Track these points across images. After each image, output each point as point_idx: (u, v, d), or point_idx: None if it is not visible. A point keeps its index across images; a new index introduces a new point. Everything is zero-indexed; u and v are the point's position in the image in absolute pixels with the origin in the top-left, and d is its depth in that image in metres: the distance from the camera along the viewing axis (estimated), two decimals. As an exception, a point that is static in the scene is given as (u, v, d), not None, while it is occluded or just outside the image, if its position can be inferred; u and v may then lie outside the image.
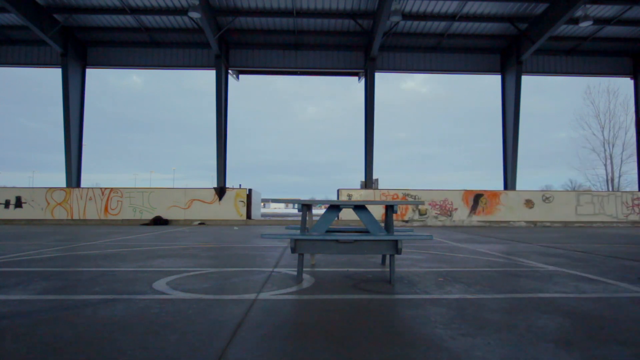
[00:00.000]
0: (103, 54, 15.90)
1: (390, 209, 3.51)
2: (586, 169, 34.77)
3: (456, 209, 13.67)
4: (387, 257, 4.10)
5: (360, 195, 13.74)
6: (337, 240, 3.15)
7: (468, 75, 17.22)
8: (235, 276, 3.42)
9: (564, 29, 14.77)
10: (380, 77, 21.41)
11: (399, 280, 3.27)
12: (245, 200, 13.55)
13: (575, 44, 15.80)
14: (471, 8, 13.74)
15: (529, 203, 13.77)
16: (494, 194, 13.81)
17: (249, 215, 13.65)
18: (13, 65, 16.01)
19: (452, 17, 14.19)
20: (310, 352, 1.66)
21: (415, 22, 14.57)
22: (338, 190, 13.81)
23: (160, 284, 3.03)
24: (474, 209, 13.68)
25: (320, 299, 2.61)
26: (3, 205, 13.18)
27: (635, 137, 17.46)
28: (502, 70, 16.19)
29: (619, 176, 30.10)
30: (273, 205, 68.78)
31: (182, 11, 13.66)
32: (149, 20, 14.54)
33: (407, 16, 14.06)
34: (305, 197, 69.75)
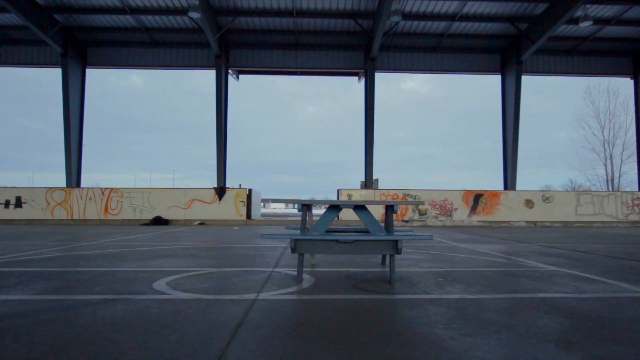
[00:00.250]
0: (103, 54, 15.91)
1: (390, 209, 3.51)
2: (586, 169, 34.80)
3: (456, 209, 13.67)
4: (387, 257, 4.10)
5: (360, 195, 13.74)
6: (337, 240, 3.15)
7: (468, 75, 17.24)
8: (235, 276, 3.42)
9: (564, 29, 14.77)
10: (380, 77, 21.43)
11: (399, 280, 3.27)
12: (245, 200, 13.55)
13: (575, 44, 15.80)
14: (471, 8, 13.74)
15: (529, 203, 13.77)
16: (494, 194, 13.81)
17: (249, 215, 13.65)
18: (13, 65, 16.00)
19: (452, 17, 14.19)
20: (310, 352, 1.66)
21: (415, 22, 14.57)
22: (338, 190, 13.81)
23: (160, 284, 3.03)
24: (474, 209, 13.67)
25: (320, 299, 2.61)
26: (3, 205, 13.18)
27: (635, 137, 17.45)
28: (502, 70, 16.19)
29: (619, 176, 30.15)
30: (273, 205, 68.78)
31: (182, 11, 13.66)
32: (149, 20, 14.54)
33: (407, 16, 14.06)
34: (305, 197, 69.74)
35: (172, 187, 17.09)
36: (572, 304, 2.49)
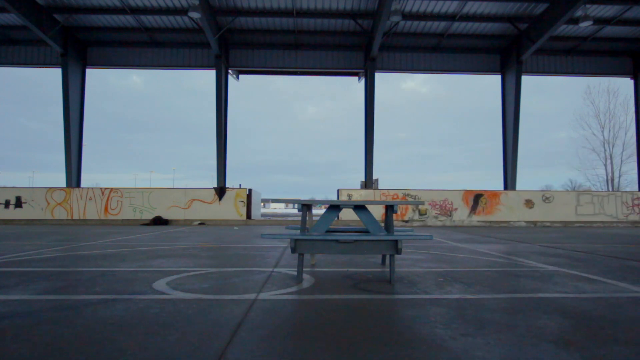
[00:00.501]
0: (103, 54, 15.90)
1: (390, 209, 3.51)
2: (586, 169, 34.74)
3: (456, 209, 13.67)
4: (387, 257, 4.10)
5: (360, 195, 13.74)
6: (337, 240, 3.15)
7: (468, 75, 17.23)
8: (235, 276, 3.42)
9: (564, 29, 14.77)
10: (380, 77, 21.43)
11: (399, 280, 3.27)
12: (245, 200, 13.55)
13: (575, 44, 15.79)
14: (471, 8, 13.74)
15: (529, 203, 13.77)
16: (494, 194, 13.81)
17: (249, 215, 13.65)
18: (13, 65, 16.00)
19: (452, 17, 14.19)
20: (310, 352, 1.66)
21: (415, 22, 14.57)
22: (338, 190, 13.81)
23: (160, 284, 3.03)
24: (474, 209, 13.67)
25: (321, 299, 2.61)
26: (3, 205, 13.18)
27: (635, 137, 17.45)
28: (502, 70, 16.19)
29: (619, 176, 30.12)
30: (273, 205, 68.78)
31: (182, 11, 13.67)
32: (149, 20, 14.54)
33: (407, 16, 14.06)
34: (305, 197, 69.78)
35: (172, 187, 17.09)
36: (572, 304, 2.49)
